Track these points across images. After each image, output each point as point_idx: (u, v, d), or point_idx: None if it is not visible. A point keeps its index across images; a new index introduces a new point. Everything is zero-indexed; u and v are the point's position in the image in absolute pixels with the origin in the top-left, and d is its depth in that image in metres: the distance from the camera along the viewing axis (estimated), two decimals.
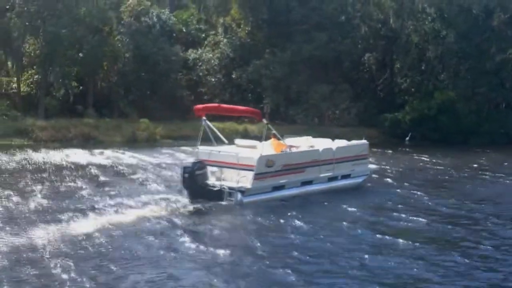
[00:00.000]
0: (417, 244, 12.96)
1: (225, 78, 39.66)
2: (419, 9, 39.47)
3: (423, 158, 28.83)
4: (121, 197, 16.66)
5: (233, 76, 38.90)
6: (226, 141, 18.55)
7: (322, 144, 19.46)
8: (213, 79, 39.76)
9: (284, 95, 38.33)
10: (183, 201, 16.26)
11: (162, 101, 36.90)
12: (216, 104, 20.43)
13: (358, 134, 21.93)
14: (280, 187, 17.49)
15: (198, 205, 15.95)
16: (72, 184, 18.87)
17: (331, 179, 19.00)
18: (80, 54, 35.98)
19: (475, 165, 26.86)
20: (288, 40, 38.36)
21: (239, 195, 16.40)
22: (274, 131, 18.48)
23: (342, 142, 20.05)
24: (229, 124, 35.68)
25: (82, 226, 13.43)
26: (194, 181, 16.30)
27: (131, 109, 36.20)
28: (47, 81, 35.61)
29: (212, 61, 39.70)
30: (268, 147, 17.90)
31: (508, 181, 22.49)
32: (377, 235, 13.64)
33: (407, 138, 36.77)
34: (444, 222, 15.27)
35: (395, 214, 15.93)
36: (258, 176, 16.72)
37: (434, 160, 28.02)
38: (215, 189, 16.51)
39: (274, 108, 37.91)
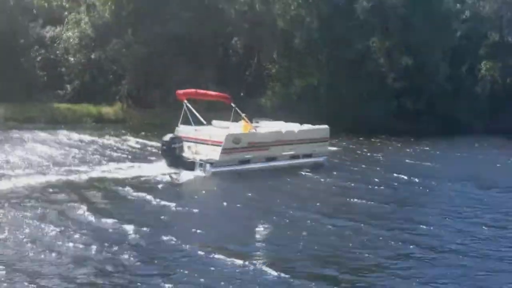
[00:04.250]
0: None
1: (85, 58, 38.01)
2: None
3: None
4: None
5: (92, 56, 37.28)
6: (204, 122, 21.24)
7: (287, 126, 22.36)
8: (72, 59, 38.01)
9: (145, 77, 37.15)
10: None
11: (13, 81, 34.63)
12: (193, 90, 22.32)
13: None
14: (246, 161, 20.35)
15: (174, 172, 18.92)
16: None
17: (293, 157, 21.80)
18: None
19: None
20: (152, 19, 37.12)
21: (208, 166, 19.24)
22: (243, 114, 21.35)
23: (305, 126, 22.88)
24: (84, 106, 34.39)
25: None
26: (170, 152, 19.58)
27: None
28: None
29: (72, 40, 37.90)
30: (238, 127, 21.22)
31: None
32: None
33: None
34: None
35: None
36: (225, 151, 19.65)
37: None
38: (189, 160, 19.57)
39: (134, 91, 36.85)
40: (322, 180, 19.61)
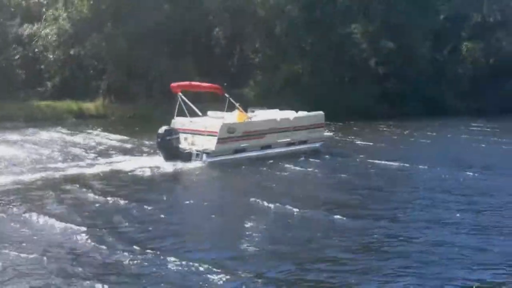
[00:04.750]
0: None
1: (65, 54, 37.58)
2: None
3: None
4: None
5: (71, 52, 36.87)
6: (200, 113, 21.85)
7: (282, 114, 22.79)
8: (51, 56, 37.60)
9: (127, 71, 36.75)
10: None
11: None
12: (187, 82, 22.85)
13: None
14: (241, 150, 20.77)
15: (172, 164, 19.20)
16: None
17: (289, 144, 22.20)
18: None
19: None
20: (132, 11, 36.70)
21: (204, 156, 19.80)
22: (237, 104, 21.46)
23: (301, 113, 23.18)
24: (65, 103, 34.04)
25: None
26: (165, 144, 19.69)
27: None
28: None
29: (50, 36, 37.48)
30: (232, 117, 21.47)
31: None
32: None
33: None
34: None
35: None
36: (220, 141, 20.08)
37: None
38: (185, 151, 19.98)
39: (116, 85, 36.44)
40: (301, 169, 19.38)
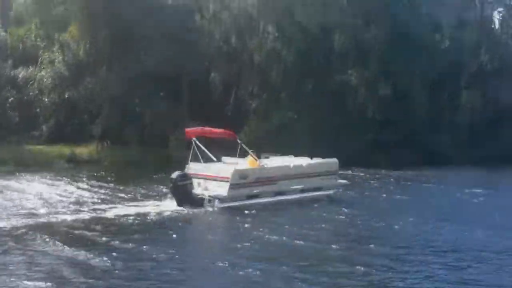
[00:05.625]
0: None
1: (60, 98, 37.49)
2: (261, 28, 39.14)
3: None
4: None
5: (66, 95, 36.78)
6: (214, 158, 22.13)
7: (296, 161, 22.94)
8: (46, 99, 37.53)
9: (121, 116, 36.55)
10: None
11: None
12: (200, 128, 23.12)
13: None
14: (254, 196, 20.85)
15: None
16: None
17: (303, 190, 22.17)
18: None
19: None
20: (127, 55, 36.71)
21: (216, 202, 20.00)
22: (250, 151, 21.95)
23: (314, 160, 23.34)
24: (57, 147, 33.80)
25: None
26: (177, 190, 20.06)
27: None
28: None
29: (45, 79, 37.47)
30: (245, 163, 21.76)
31: None
32: None
33: None
34: None
35: None
36: (233, 186, 20.21)
37: None
38: (198, 196, 20.21)
39: (110, 129, 36.18)
40: (299, 225, 18.25)
